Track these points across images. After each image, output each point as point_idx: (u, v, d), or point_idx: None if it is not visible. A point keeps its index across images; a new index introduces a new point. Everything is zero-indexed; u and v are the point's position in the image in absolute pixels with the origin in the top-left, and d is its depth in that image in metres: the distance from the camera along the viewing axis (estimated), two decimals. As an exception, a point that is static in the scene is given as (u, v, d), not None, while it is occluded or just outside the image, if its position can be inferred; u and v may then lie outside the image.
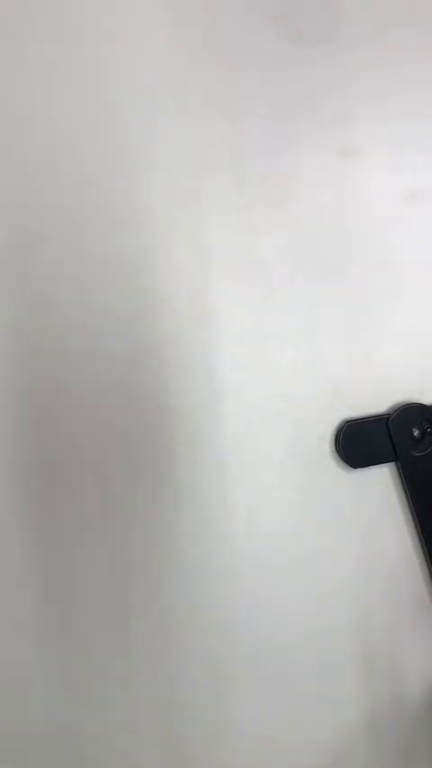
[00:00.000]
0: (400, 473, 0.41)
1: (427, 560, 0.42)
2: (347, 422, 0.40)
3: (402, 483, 0.41)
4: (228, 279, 0.39)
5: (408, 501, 0.41)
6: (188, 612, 0.38)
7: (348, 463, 0.40)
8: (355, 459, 0.40)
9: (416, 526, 0.41)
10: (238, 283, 0.39)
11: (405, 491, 0.41)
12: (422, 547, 0.41)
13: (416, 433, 0.41)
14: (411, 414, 0.41)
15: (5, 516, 0.36)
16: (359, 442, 0.40)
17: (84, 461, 0.37)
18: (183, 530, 0.38)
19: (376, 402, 0.41)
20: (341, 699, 0.41)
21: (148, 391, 0.38)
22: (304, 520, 0.40)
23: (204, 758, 0.39)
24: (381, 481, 0.41)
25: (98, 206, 0.37)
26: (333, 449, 0.40)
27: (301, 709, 0.40)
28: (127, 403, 0.37)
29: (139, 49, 0.37)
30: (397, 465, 0.41)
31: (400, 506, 0.42)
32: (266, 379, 0.39)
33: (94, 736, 0.37)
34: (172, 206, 0.38)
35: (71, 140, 0.36)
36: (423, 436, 0.41)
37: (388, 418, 0.40)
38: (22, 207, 0.36)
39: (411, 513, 0.41)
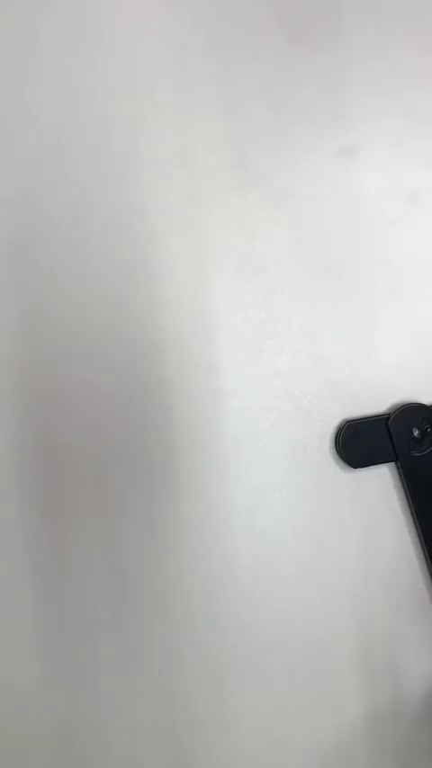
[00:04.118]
0: (400, 473, 0.41)
1: (427, 560, 0.42)
2: (347, 422, 0.40)
3: (402, 483, 0.41)
4: (228, 279, 0.39)
5: (408, 501, 0.41)
6: (188, 612, 0.38)
7: (348, 463, 0.40)
8: (355, 459, 0.40)
9: (416, 526, 0.41)
10: (237, 283, 0.39)
11: (405, 491, 0.41)
12: (422, 547, 0.41)
13: (416, 433, 0.41)
14: (411, 414, 0.41)
15: (6, 516, 0.36)
16: (359, 442, 0.40)
17: (83, 462, 0.37)
18: (183, 530, 0.38)
19: (376, 402, 0.41)
20: (341, 699, 0.41)
21: (148, 391, 0.38)
22: (304, 520, 0.40)
23: (204, 758, 0.39)
24: (381, 481, 0.41)
25: (98, 207, 0.37)
26: (333, 449, 0.40)
27: (301, 709, 0.40)
28: (127, 403, 0.37)
29: (140, 48, 0.37)
30: (397, 465, 0.41)
31: (400, 506, 0.42)
32: (266, 379, 0.39)
33: (94, 737, 0.37)
34: (172, 206, 0.38)
35: (70, 141, 0.36)
36: (423, 436, 0.41)
37: (388, 418, 0.40)
38: (21, 207, 0.36)
39: (411, 513, 0.41)
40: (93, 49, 0.36)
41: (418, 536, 0.41)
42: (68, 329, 0.36)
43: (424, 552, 0.41)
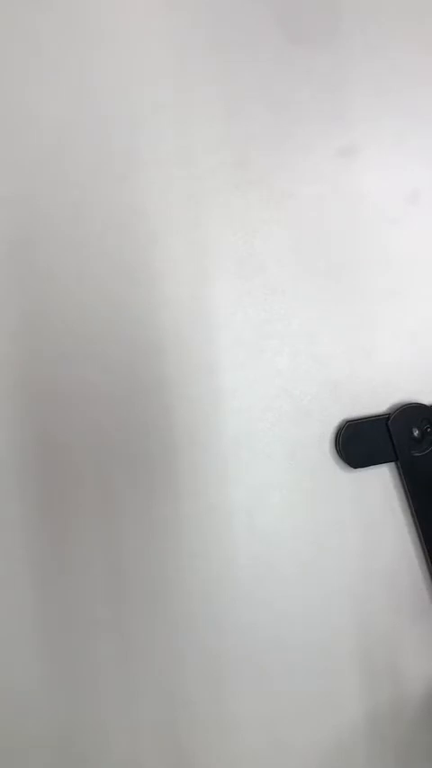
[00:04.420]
0: (400, 473, 0.41)
1: (427, 560, 0.42)
2: (347, 422, 0.40)
3: (402, 483, 0.41)
4: (228, 279, 0.39)
5: (408, 501, 0.41)
6: (188, 612, 0.38)
7: (348, 463, 0.40)
8: (355, 459, 0.40)
9: (416, 526, 0.41)
10: (237, 283, 0.39)
11: (405, 491, 0.41)
12: (422, 547, 0.41)
13: (416, 433, 0.41)
14: (411, 414, 0.41)
15: (6, 516, 0.36)
16: (359, 442, 0.40)
17: (83, 462, 0.37)
18: (183, 530, 0.38)
19: (376, 402, 0.41)
20: (341, 699, 0.41)
21: (148, 391, 0.38)
22: (304, 520, 0.40)
23: (204, 758, 0.39)
24: (381, 481, 0.41)
25: (98, 207, 0.37)
26: (333, 449, 0.40)
27: (301, 709, 0.40)
28: (127, 403, 0.37)
29: (140, 48, 0.37)
30: (397, 465, 0.41)
31: (400, 506, 0.42)
32: (266, 379, 0.39)
33: (94, 737, 0.37)
34: (172, 206, 0.38)
35: (70, 141, 0.36)
36: (423, 436, 0.41)
37: (388, 418, 0.40)
38: (21, 207, 0.36)
39: (411, 513, 0.41)
40: (93, 49, 0.36)
41: (418, 536, 0.41)
42: (68, 329, 0.36)
43: (424, 552, 0.41)
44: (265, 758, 0.40)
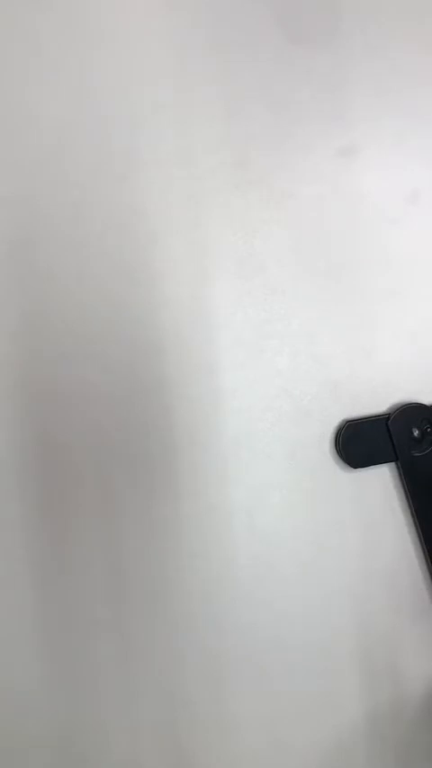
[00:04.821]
0: (400, 473, 0.41)
1: (427, 560, 0.42)
2: (347, 422, 0.40)
3: (402, 483, 0.41)
4: (228, 279, 0.39)
5: (408, 501, 0.41)
6: (188, 612, 0.38)
7: (348, 463, 0.40)
8: (355, 459, 0.40)
9: (416, 526, 0.41)
10: (237, 283, 0.39)
11: (405, 491, 0.41)
12: (422, 547, 0.41)
13: (416, 433, 0.41)
14: (411, 414, 0.41)
15: (6, 516, 0.36)
16: (359, 442, 0.40)
17: (83, 462, 0.37)
18: (183, 530, 0.38)
19: (376, 402, 0.41)
20: (341, 699, 0.41)
21: (148, 391, 0.38)
22: (304, 520, 0.40)
23: (204, 758, 0.39)
24: (381, 481, 0.41)
25: (98, 207, 0.37)
26: (333, 449, 0.40)
27: (301, 709, 0.40)
28: (127, 403, 0.37)
29: (140, 48, 0.37)
30: (397, 465, 0.41)
31: (400, 506, 0.42)
32: (266, 379, 0.39)
33: (94, 737, 0.37)
34: (172, 206, 0.38)
35: (70, 141, 0.36)
36: (423, 436, 0.41)
37: (388, 418, 0.40)
38: (21, 207, 0.36)
39: (411, 513, 0.41)
40: (93, 49, 0.36)
41: (418, 536, 0.41)
42: (68, 329, 0.36)
43: (424, 552, 0.41)
44: (265, 758, 0.40)
